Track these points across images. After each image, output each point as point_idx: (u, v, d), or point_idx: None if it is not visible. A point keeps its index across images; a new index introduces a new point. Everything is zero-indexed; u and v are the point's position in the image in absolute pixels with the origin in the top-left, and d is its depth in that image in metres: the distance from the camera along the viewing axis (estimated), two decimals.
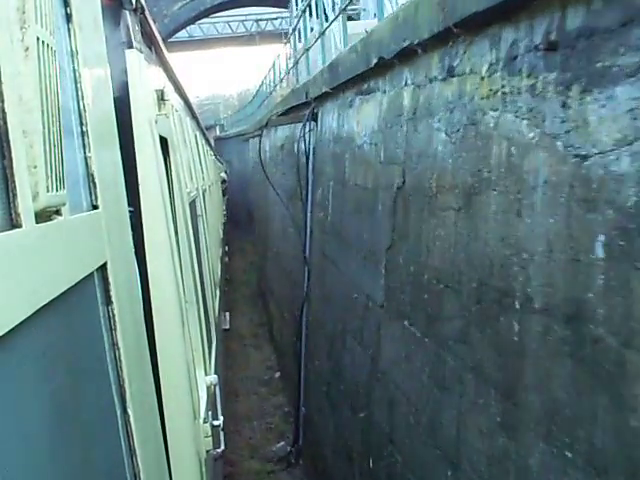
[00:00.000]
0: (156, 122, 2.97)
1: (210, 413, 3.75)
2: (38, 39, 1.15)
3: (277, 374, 12.22)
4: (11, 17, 1.07)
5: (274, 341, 14.03)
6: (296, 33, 16.71)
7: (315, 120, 8.07)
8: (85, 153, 1.52)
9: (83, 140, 1.51)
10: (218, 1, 30.98)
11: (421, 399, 3.84)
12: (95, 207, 1.54)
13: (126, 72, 2.56)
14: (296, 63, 14.94)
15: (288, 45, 19.80)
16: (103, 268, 1.52)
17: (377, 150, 4.92)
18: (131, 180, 2.21)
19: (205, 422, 3.36)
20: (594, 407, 2.13)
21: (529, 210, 2.57)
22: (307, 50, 12.53)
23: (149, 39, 3.36)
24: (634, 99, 1.97)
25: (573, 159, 2.27)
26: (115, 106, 2.00)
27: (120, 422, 1.55)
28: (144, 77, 2.80)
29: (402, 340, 4.23)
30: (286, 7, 27.86)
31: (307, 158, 8.22)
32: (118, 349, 1.55)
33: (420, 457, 3.85)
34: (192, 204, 5.28)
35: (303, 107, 8.82)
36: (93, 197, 1.54)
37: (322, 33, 9.99)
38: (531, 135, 2.57)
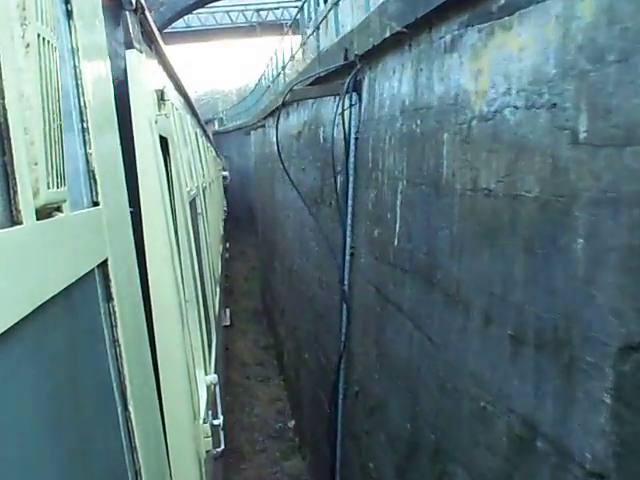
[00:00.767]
0: (156, 122, 2.98)
1: (210, 413, 3.75)
2: (39, 36, 1.15)
3: (291, 423, 9.88)
4: (12, 14, 1.07)
5: (284, 374, 11.62)
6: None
7: (358, 91, 5.58)
8: (86, 150, 1.52)
9: (84, 137, 1.51)
10: None
11: None
12: (96, 204, 1.54)
13: (126, 72, 2.56)
14: (318, 26, 11.99)
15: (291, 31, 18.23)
16: (104, 265, 1.52)
17: (557, 118, 2.46)
18: (131, 180, 2.21)
19: (205, 422, 3.36)
20: None
21: None
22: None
23: (149, 38, 3.36)
24: None
25: None
26: (115, 106, 2.00)
27: (121, 418, 1.56)
28: (144, 77, 2.80)
29: None
30: None
31: (347, 146, 5.74)
32: (119, 346, 1.56)
33: None
34: (192, 202, 5.28)
35: (334, 77, 6.28)
36: (94, 194, 1.54)
37: None
38: None
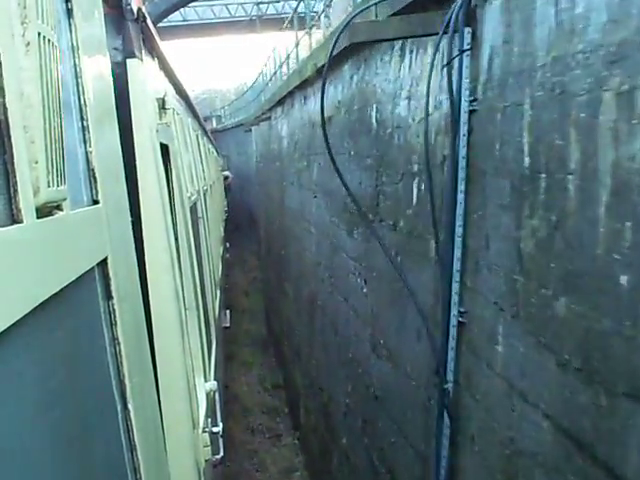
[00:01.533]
0: (157, 131, 2.99)
1: (209, 420, 3.74)
2: (39, 34, 1.15)
3: None
4: (12, 12, 1.07)
5: (301, 431, 9.39)
6: None
7: (474, 26, 3.30)
8: (86, 148, 1.52)
9: (84, 135, 1.52)
10: None
11: None
12: (96, 202, 1.54)
13: (127, 81, 2.57)
14: None
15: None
16: (104, 263, 1.52)
17: None
18: (132, 188, 2.21)
19: (204, 431, 3.35)
20: None
21: None
22: None
23: (151, 47, 3.37)
24: None
25: None
26: (117, 115, 2.01)
27: (120, 417, 1.56)
28: (145, 86, 2.81)
29: None
30: None
31: (454, 126, 3.40)
32: (118, 344, 1.56)
33: None
34: (193, 207, 5.28)
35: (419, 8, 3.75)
36: (94, 192, 1.54)
37: None
38: None
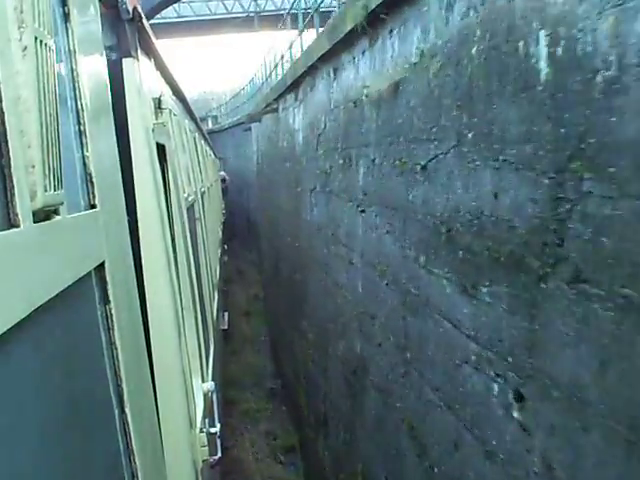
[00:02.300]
0: (153, 130, 2.99)
1: (207, 421, 3.73)
2: (36, 39, 1.15)
3: None
4: (9, 17, 1.07)
5: None
6: None
7: None
8: (83, 152, 1.52)
9: (81, 139, 1.52)
10: None
11: None
12: (93, 206, 1.54)
13: (123, 81, 2.57)
14: None
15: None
16: (101, 267, 1.52)
17: None
18: (128, 189, 2.21)
19: (202, 432, 3.35)
20: None
21: None
22: None
23: (147, 46, 3.37)
24: None
25: None
26: (112, 115, 2.01)
27: (117, 421, 1.56)
28: (141, 86, 2.81)
29: None
30: None
31: None
32: (115, 348, 1.55)
33: None
34: (190, 208, 5.29)
35: None
36: (91, 196, 1.54)
37: None
38: None
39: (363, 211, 5.39)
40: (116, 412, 1.55)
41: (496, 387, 2.95)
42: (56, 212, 1.25)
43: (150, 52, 3.58)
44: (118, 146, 2.02)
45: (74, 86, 1.52)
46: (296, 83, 9.07)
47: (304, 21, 12.72)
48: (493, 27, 2.94)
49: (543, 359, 2.53)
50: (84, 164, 1.52)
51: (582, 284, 2.26)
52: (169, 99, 4.44)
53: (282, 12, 26.52)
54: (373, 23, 4.69)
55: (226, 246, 17.16)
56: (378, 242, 4.94)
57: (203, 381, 4.08)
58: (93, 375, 1.48)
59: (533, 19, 2.59)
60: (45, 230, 1.17)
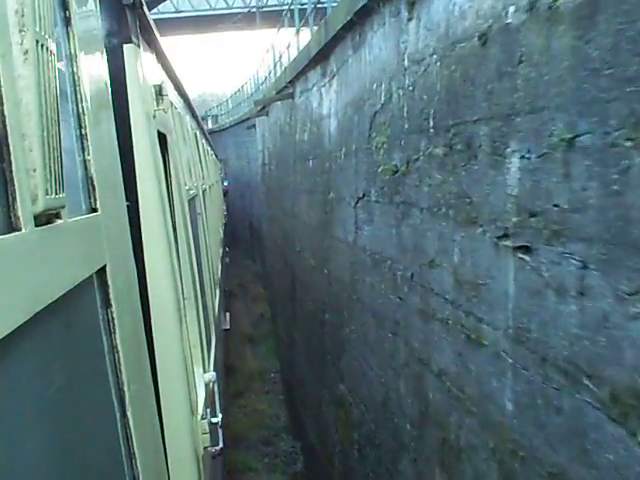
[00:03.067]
0: (154, 117, 2.98)
1: (208, 410, 3.75)
2: (37, 42, 1.15)
3: None
4: (10, 21, 1.07)
5: None
6: None
7: None
8: (84, 156, 1.52)
9: (82, 143, 1.52)
10: None
11: None
12: (94, 210, 1.54)
13: (124, 67, 2.57)
14: None
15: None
16: (102, 271, 1.52)
17: None
18: (128, 174, 2.21)
19: (203, 419, 3.36)
20: None
21: None
22: None
23: (148, 35, 3.37)
24: None
25: None
26: (113, 101, 2.00)
27: (119, 425, 1.55)
28: (142, 72, 2.81)
29: None
30: None
31: None
32: (117, 352, 1.55)
33: None
34: (191, 202, 5.29)
35: None
36: (92, 200, 1.54)
37: None
38: None
39: (521, 249, 2.73)
40: (118, 416, 1.55)
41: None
42: (57, 216, 1.24)
43: (151, 41, 3.57)
44: (119, 133, 2.01)
45: (75, 90, 1.51)
46: (326, 50, 6.71)
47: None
48: None
49: None
50: (85, 168, 1.52)
51: None
52: (171, 93, 4.43)
53: (285, 8, 21.96)
54: None
55: (227, 248, 16.10)
56: (575, 319, 2.33)
57: (205, 371, 4.10)
58: (95, 379, 1.48)
59: None
60: (46, 234, 1.16)
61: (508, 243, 2.84)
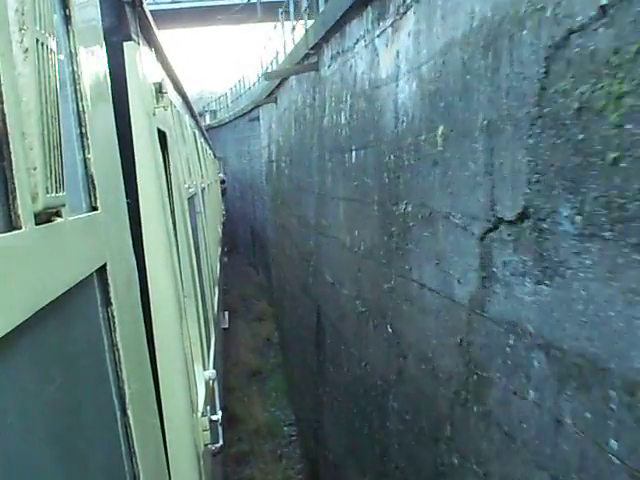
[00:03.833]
0: (154, 114, 2.99)
1: (209, 408, 3.76)
2: (37, 41, 1.15)
3: None
4: (10, 19, 1.07)
5: None
6: None
7: None
8: (84, 154, 1.52)
9: (82, 142, 1.51)
10: None
11: None
12: (94, 208, 1.54)
13: (124, 64, 2.58)
14: None
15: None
16: (102, 270, 1.52)
17: None
18: (128, 171, 2.22)
19: (203, 416, 3.37)
20: None
21: None
22: None
23: (147, 33, 3.37)
24: None
25: None
26: (113, 98, 2.01)
27: (119, 424, 1.55)
28: (142, 69, 2.82)
29: None
30: None
31: None
32: (117, 350, 1.55)
33: None
34: (191, 200, 5.30)
35: None
36: (92, 198, 1.54)
37: None
38: None
39: None
40: (118, 415, 1.55)
41: None
42: (58, 214, 1.24)
43: (150, 39, 3.58)
44: (119, 130, 2.02)
45: (75, 88, 1.51)
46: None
47: None
48: None
49: None
50: (86, 166, 1.52)
51: None
52: (170, 90, 4.44)
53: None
54: None
55: (226, 257, 14.45)
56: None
57: (204, 369, 4.11)
58: (95, 377, 1.48)
59: None
60: (47, 232, 1.16)
61: None
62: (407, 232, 4.26)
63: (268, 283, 14.38)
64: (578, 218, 2.29)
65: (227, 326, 10.07)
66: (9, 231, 1.01)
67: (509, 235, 2.85)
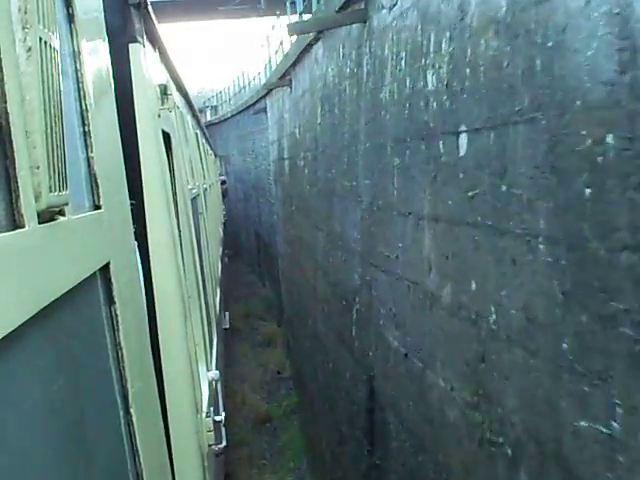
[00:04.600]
0: (159, 116, 3.00)
1: (212, 409, 3.76)
2: (41, 39, 1.15)
3: None
4: (14, 18, 1.07)
5: None
6: None
7: None
8: (87, 153, 1.52)
9: (85, 140, 1.51)
10: None
11: None
12: (98, 207, 1.54)
13: (129, 66, 2.58)
14: None
15: None
16: (106, 268, 1.52)
17: None
18: (134, 172, 2.22)
19: (207, 417, 3.37)
20: None
21: None
22: None
23: (152, 35, 3.38)
24: None
25: None
26: (118, 100, 2.01)
27: (123, 422, 1.55)
28: (147, 71, 2.82)
29: None
30: None
31: None
32: (121, 349, 1.55)
33: None
34: (194, 201, 5.32)
35: None
36: (96, 197, 1.54)
37: None
38: None
39: None
40: (121, 413, 1.55)
41: None
42: (61, 213, 1.24)
43: (155, 40, 3.59)
44: (124, 132, 2.02)
45: (79, 87, 1.51)
46: None
47: None
48: None
49: None
50: (89, 165, 1.52)
51: None
52: (173, 91, 4.46)
53: None
54: None
55: (226, 259, 12.85)
56: None
57: (208, 369, 4.12)
58: (98, 376, 1.48)
59: None
60: (50, 231, 1.16)
61: None
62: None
63: (277, 299, 11.98)
64: None
65: (228, 326, 9.53)
66: (12, 230, 1.01)
67: None
